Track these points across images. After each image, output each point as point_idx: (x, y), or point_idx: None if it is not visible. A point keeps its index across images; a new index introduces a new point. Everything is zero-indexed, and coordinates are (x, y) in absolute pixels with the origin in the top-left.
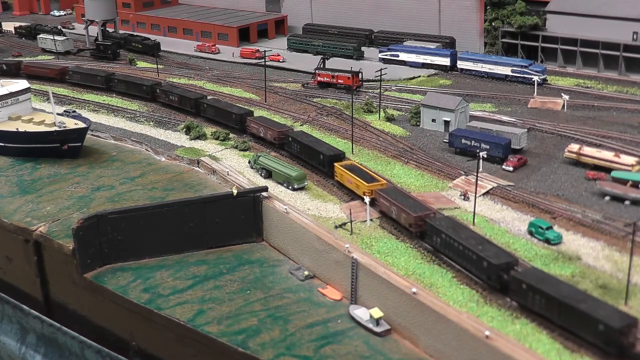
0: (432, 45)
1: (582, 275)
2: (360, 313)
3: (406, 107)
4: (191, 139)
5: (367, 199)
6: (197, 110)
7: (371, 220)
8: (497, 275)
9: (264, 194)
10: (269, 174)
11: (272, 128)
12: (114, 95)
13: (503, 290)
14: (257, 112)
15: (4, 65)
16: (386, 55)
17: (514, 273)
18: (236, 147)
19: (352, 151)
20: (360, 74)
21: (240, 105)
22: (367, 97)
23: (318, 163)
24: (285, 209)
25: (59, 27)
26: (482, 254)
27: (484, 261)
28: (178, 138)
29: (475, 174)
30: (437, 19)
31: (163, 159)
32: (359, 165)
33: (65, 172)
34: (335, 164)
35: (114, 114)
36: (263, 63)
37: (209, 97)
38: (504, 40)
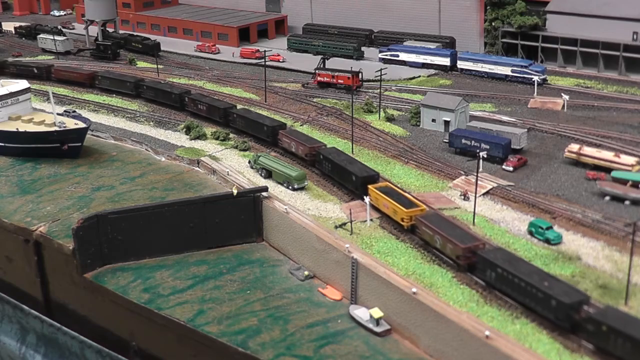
0: (432, 45)
1: (582, 275)
2: (360, 313)
3: (406, 107)
4: (191, 139)
5: (367, 199)
6: (225, 120)
7: (371, 220)
8: (567, 315)
9: (264, 194)
10: (269, 174)
11: (303, 144)
12: (142, 101)
13: (574, 330)
14: (258, 112)
15: (35, 68)
16: (386, 55)
17: (591, 314)
18: (236, 147)
19: (352, 151)
20: (360, 74)
21: (272, 117)
22: (367, 97)
23: (350, 184)
24: (286, 209)
25: (59, 27)
26: (549, 292)
27: (552, 299)
28: (178, 138)
29: (475, 174)
30: (437, 19)
31: (163, 159)
32: (395, 188)
33: (65, 172)
34: (370, 187)
35: (114, 114)
36: (263, 63)
37: (239, 107)
38: (504, 40)
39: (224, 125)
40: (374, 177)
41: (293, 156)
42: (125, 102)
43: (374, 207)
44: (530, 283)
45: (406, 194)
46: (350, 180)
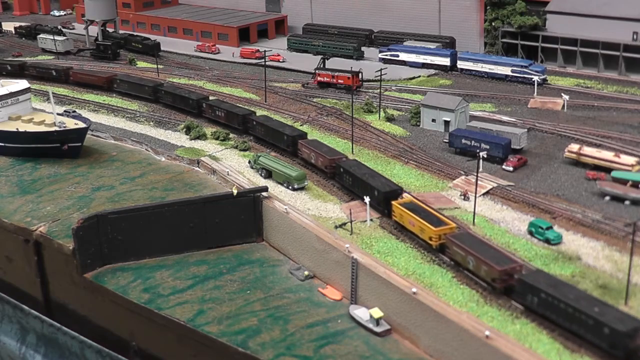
0: (432, 45)
1: (582, 275)
2: (360, 313)
3: (406, 107)
4: (191, 139)
5: (367, 199)
6: (244, 127)
7: (371, 220)
8: (622, 344)
9: (264, 194)
10: (269, 174)
11: (323, 155)
12: (161, 105)
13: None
14: (258, 112)
15: (54, 71)
16: (386, 55)
17: None
18: (236, 147)
19: (352, 151)
20: (360, 74)
21: (293, 126)
22: (367, 97)
23: (373, 200)
24: (285, 209)
25: (59, 27)
26: (602, 319)
27: (604, 327)
28: (178, 138)
29: (475, 174)
30: (437, 19)
31: (163, 159)
32: (420, 203)
33: (65, 172)
34: (394, 203)
35: (114, 114)
36: (263, 63)
37: (258, 114)
38: (504, 40)
39: (242, 132)
40: (397, 192)
41: (313, 167)
42: (125, 102)
43: (398, 224)
44: (579, 309)
45: (432, 210)
46: (372, 196)
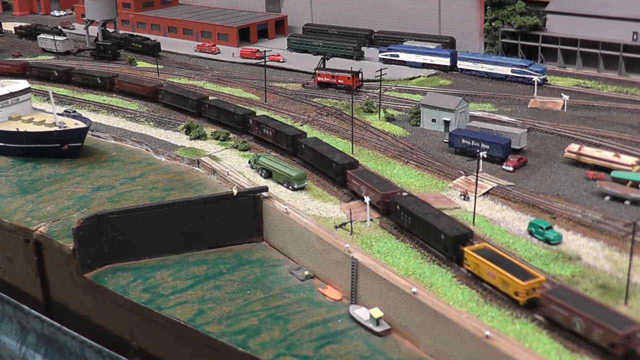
0: (432, 46)
1: (582, 275)
2: (360, 313)
3: (406, 107)
4: (191, 139)
5: (367, 199)
6: (294, 150)
7: (371, 220)
8: None
9: (264, 194)
10: (269, 174)
11: (375, 189)
12: (206, 120)
13: None
14: (258, 112)
15: (99, 78)
16: (386, 55)
17: None
18: (236, 147)
19: (352, 151)
20: (360, 74)
21: (343, 152)
22: (367, 97)
23: (438, 245)
24: (286, 209)
25: (59, 27)
26: None
27: None
28: (178, 138)
29: (475, 174)
30: (437, 19)
31: (163, 159)
32: (495, 249)
33: (65, 172)
34: (466, 250)
35: (114, 114)
36: (263, 63)
37: (309, 137)
38: (504, 40)
39: (291, 155)
40: (468, 236)
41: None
42: (125, 102)
43: (471, 273)
44: None
45: (512, 258)
46: (437, 239)
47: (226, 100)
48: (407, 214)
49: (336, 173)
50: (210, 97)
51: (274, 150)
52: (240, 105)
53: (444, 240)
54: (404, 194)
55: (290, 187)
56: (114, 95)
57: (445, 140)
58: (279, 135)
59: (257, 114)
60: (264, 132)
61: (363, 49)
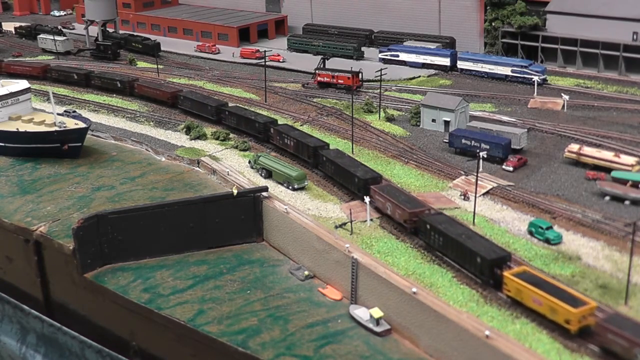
0: (432, 46)
1: (582, 275)
2: (361, 313)
3: (406, 107)
4: (191, 139)
5: (367, 199)
6: (315, 161)
7: (371, 220)
8: None
9: (264, 194)
10: (269, 174)
11: (401, 206)
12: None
13: None
14: (262, 112)
15: (119, 82)
16: (386, 55)
17: None
18: (236, 147)
19: (352, 151)
20: (360, 74)
21: (366, 166)
22: (367, 97)
23: (473, 268)
24: (286, 209)
25: (59, 27)
26: None
27: None
28: (178, 138)
29: (475, 174)
30: (437, 19)
31: (163, 159)
32: (535, 272)
33: (65, 172)
34: (506, 275)
35: (114, 114)
36: (263, 63)
37: (331, 149)
38: (504, 40)
39: (312, 166)
40: (505, 259)
41: (389, 219)
42: (125, 102)
43: (512, 299)
44: None
45: (555, 282)
46: (473, 262)
47: (238, 104)
48: (439, 234)
49: (358, 188)
50: (230, 104)
51: (298, 163)
52: (261, 113)
53: (480, 264)
54: (432, 211)
55: (290, 187)
56: (114, 95)
57: (445, 140)
58: (300, 147)
59: (279, 123)
60: (285, 142)
61: (363, 49)
